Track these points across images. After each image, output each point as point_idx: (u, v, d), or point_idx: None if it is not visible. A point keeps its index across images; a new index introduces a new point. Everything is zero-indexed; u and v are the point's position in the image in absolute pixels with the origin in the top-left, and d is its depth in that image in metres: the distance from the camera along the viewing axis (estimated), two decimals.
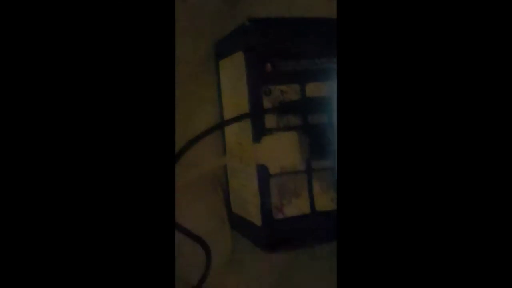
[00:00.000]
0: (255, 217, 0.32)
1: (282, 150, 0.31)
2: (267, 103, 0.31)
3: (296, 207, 0.32)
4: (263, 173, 0.31)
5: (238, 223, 0.37)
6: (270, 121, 0.31)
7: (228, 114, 0.36)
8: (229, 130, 0.36)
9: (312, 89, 0.32)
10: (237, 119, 0.31)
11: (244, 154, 0.33)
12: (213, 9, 0.38)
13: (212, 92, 0.38)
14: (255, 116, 0.31)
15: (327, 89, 0.32)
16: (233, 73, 0.34)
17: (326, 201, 0.32)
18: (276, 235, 0.31)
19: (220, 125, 0.33)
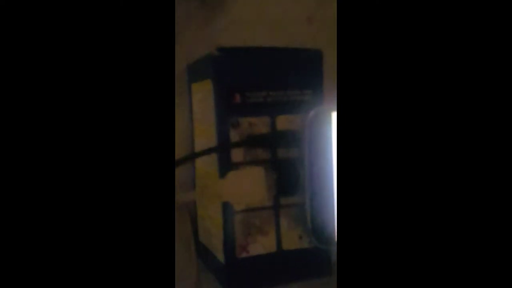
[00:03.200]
0: (219, 252, 0.31)
1: (248, 185, 0.30)
2: (234, 136, 0.30)
3: (261, 245, 0.30)
4: (227, 210, 0.30)
5: (204, 253, 0.35)
6: (237, 154, 0.30)
7: (198, 140, 0.35)
8: (198, 160, 0.34)
9: (283, 122, 0.30)
10: (205, 152, 0.30)
11: (210, 188, 0.31)
12: (188, 30, 0.37)
13: (184, 113, 0.37)
14: (222, 150, 0.29)
15: (298, 122, 0.30)
16: (203, 99, 0.33)
17: (293, 239, 0.31)
18: (239, 275, 0.30)
19: (187, 158, 0.31)
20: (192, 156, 0.33)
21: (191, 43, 0.37)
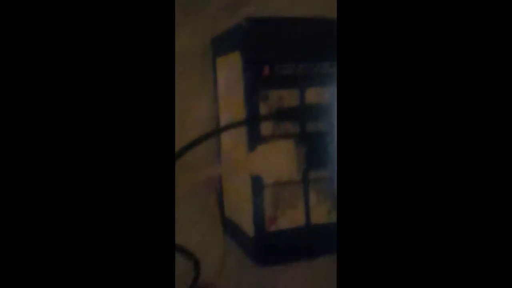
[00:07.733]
0: (247, 226, 0.31)
1: (277, 159, 0.29)
2: (264, 109, 0.29)
3: (290, 219, 0.30)
4: (256, 183, 0.29)
5: (230, 228, 0.35)
6: (266, 128, 0.29)
7: (224, 115, 0.35)
8: (225, 134, 0.34)
9: (312, 95, 0.30)
10: (232, 126, 0.30)
11: (238, 162, 0.31)
12: (212, 3, 0.36)
13: (208, 90, 0.36)
14: (251, 123, 0.29)
15: (328, 95, 0.30)
16: (230, 73, 0.32)
17: (322, 213, 0.31)
18: (268, 248, 0.30)
19: (214, 132, 0.31)
20: (220, 130, 0.32)
21: (215, 13, 0.36)
